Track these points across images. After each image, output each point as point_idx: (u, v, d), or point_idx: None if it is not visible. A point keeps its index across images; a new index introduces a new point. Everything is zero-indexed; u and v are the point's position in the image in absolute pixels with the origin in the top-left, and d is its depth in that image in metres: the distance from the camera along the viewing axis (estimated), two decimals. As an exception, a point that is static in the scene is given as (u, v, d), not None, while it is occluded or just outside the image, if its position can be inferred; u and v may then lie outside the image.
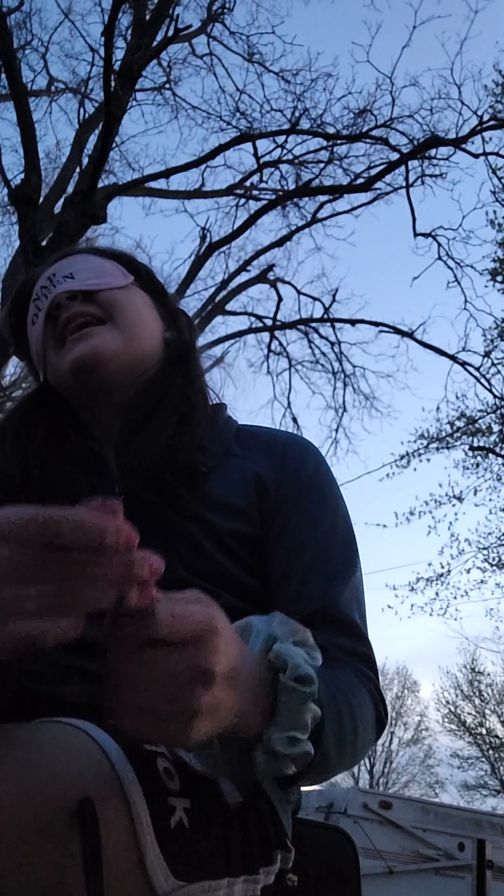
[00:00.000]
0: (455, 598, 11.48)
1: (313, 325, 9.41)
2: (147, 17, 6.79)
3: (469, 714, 22.44)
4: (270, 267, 9.52)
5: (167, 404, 0.93)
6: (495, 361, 9.10)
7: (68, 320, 0.94)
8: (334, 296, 9.32)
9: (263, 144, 8.17)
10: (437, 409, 10.60)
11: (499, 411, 9.64)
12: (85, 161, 7.43)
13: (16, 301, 1.05)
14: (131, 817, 0.58)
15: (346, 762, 0.79)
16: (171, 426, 0.91)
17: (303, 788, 0.87)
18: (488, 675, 22.34)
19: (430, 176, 8.30)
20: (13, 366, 9.41)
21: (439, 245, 8.53)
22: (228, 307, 9.62)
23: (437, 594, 11.29)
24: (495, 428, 9.96)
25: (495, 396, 9.24)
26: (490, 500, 11.51)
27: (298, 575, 0.88)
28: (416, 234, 8.36)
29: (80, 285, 0.96)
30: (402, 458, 10.14)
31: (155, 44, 6.63)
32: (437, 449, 10.24)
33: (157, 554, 0.85)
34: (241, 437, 0.98)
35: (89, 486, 0.91)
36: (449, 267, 8.61)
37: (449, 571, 11.09)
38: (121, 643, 0.52)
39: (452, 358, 8.95)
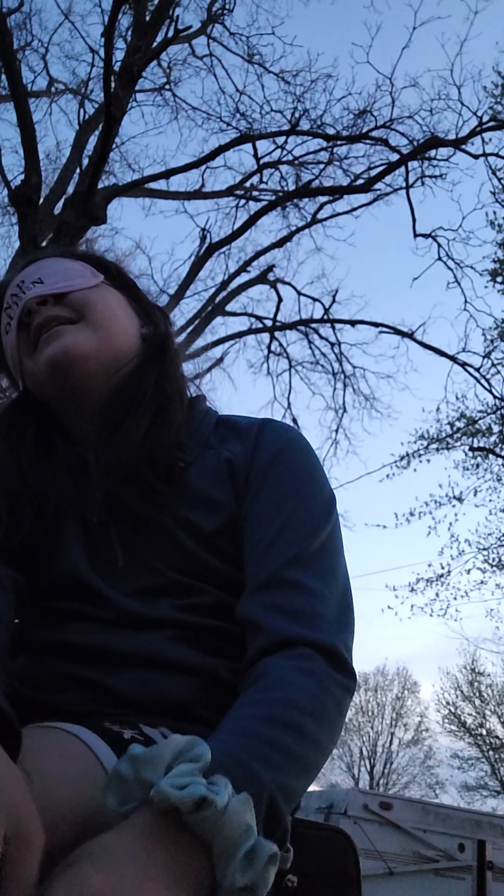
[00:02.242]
0: (455, 598, 11.47)
1: (313, 325, 9.42)
2: (147, 18, 6.79)
3: (469, 715, 22.45)
4: (270, 268, 9.53)
5: (143, 399, 0.91)
6: (495, 362, 9.11)
7: (40, 325, 0.93)
8: (334, 296, 9.34)
9: (263, 145, 8.18)
10: (437, 409, 10.61)
11: (499, 412, 9.64)
12: (85, 162, 7.42)
13: None
14: None
15: (320, 760, 0.73)
16: (147, 421, 0.89)
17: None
18: (488, 675, 22.36)
19: (430, 177, 8.32)
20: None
21: (439, 246, 8.55)
22: (228, 308, 9.63)
23: (437, 595, 11.29)
24: (495, 429, 9.96)
25: (495, 397, 9.25)
26: (490, 500, 11.52)
27: (265, 544, 0.85)
28: (416, 235, 8.38)
29: (49, 289, 0.94)
30: (402, 458, 10.15)
31: (155, 45, 6.63)
32: (437, 450, 10.25)
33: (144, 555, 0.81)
34: (219, 430, 0.97)
35: (75, 491, 0.91)
36: (449, 268, 8.63)
37: (449, 572, 11.09)
38: None
39: (452, 359, 8.96)
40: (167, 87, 8.47)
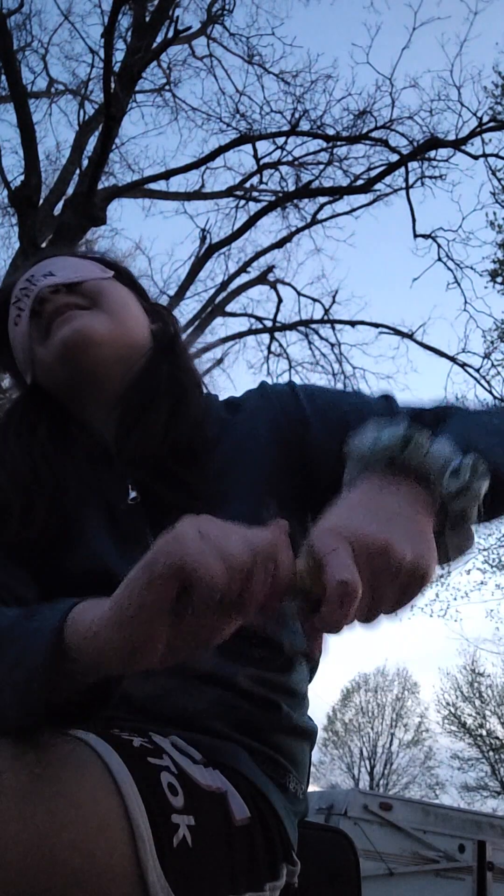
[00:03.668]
0: (455, 599, 11.51)
1: (313, 326, 9.42)
2: (147, 19, 6.80)
3: (469, 715, 22.44)
4: (270, 268, 9.52)
5: (160, 390, 0.91)
6: (495, 363, 9.11)
7: (54, 311, 0.91)
8: (334, 297, 9.35)
9: (263, 146, 8.18)
10: (438, 410, 10.59)
11: (499, 412, 9.63)
12: (85, 163, 7.42)
13: None
14: (133, 836, 0.57)
15: None
16: (167, 411, 0.89)
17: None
18: (488, 676, 22.35)
19: (430, 177, 8.32)
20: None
21: (439, 246, 8.56)
22: (228, 308, 9.62)
23: (437, 595, 11.30)
24: (495, 429, 9.94)
25: (495, 398, 9.23)
26: (490, 501, 11.47)
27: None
28: (415, 236, 8.38)
29: (63, 279, 0.94)
30: (402, 459, 10.12)
31: (155, 45, 6.64)
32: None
33: None
34: (230, 407, 0.97)
35: (97, 479, 0.90)
36: (449, 268, 8.64)
37: (449, 573, 11.07)
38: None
39: (452, 359, 8.95)
40: (167, 87, 8.49)
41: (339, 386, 9.38)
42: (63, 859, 0.54)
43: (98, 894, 0.55)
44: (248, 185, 9.04)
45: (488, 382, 9.01)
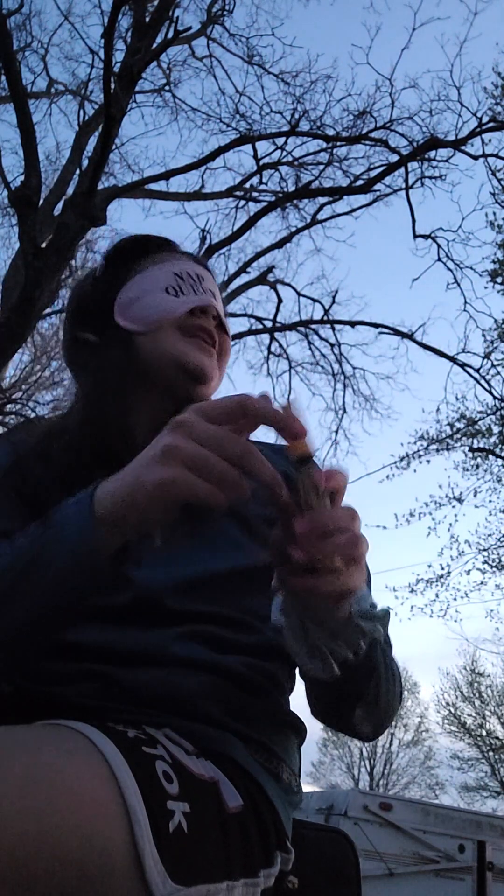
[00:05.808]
0: (455, 599, 11.46)
1: (313, 326, 9.41)
2: (147, 19, 6.79)
3: (469, 716, 22.44)
4: (270, 268, 9.52)
5: None
6: (495, 363, 9.10)
7: (208, 331, 0.99)
8: (334, 297, 9.33)
9: (263, 146, 8.18)
10: (437, 410, 10.66)
11: (499, 413, 9.64)
12: (85, 163, 7.43)
13: (125, 247, 1.08)
14: (129, 821, 0.58)
15: (386, 699, 0.82)
16: None
17: (304, 790, 0.87)
18: (488, 676, 22.36)
19: (430, 178, 8.31)
20: (13, 368, 9.42)
21: (439, 247, 8.54)
22: (228, 309, 9.54)
23: (436, 596, 11.28)
24: (495, 429, 9.96)
25: (495, 398, 9.24)
26: (490, 501, 11.58)
27: None
28: (415, 236, 8.37)
29: (221, 311, 1.03)
30: (401, 459, 10.14)
31: (154, 46, 6.63)
32: (437, 450, 10.24)
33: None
34: None
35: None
36: (449, 268, 8.62)
37: (449, 573, 11.08)
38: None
39: (452, 359, 8.95)
40: (167, 88, 8.48)
41: (339, 386, 9.40)
42: (60, 845, 0.54)
43: (95, 879, 0.56)
44: (247, 185, 9.04)
45: (488, 382, 9.02)
